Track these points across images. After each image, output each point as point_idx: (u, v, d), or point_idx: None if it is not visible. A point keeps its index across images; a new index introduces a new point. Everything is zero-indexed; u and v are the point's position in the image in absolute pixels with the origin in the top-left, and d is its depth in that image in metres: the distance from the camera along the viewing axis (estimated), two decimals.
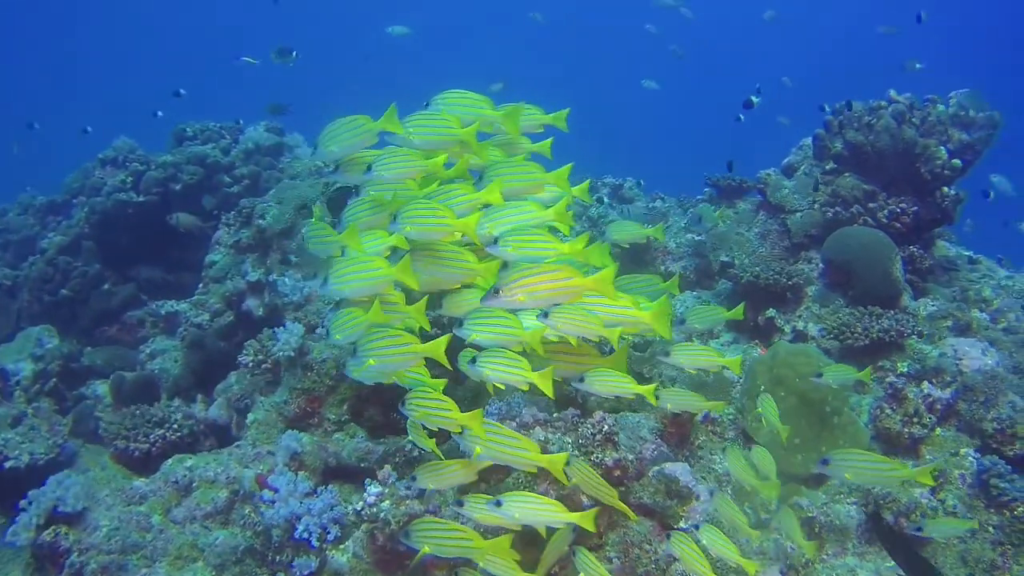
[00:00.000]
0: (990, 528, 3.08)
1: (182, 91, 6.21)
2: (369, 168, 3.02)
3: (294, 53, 5.76)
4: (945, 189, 4.26)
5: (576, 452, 2.81)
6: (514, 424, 2.96)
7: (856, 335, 3.71)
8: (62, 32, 31.97)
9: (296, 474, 3.07)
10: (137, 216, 5.67)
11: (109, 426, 3.73)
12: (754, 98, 4.87)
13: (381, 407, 3.57)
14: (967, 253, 4.98)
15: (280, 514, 2.89)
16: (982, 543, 3.04)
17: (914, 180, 4.32)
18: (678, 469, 2.98)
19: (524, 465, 2.51)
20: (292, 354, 3.55)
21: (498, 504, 2.40)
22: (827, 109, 4.74)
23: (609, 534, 2.81)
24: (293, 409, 3.55)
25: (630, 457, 2.86)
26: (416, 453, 3.19)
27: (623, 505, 2.65)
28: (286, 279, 4.56)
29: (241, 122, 6.13)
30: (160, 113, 6.51)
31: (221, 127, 6.10)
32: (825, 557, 3.06)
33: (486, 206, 2.80)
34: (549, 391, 2.56)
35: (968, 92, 4.34)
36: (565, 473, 2.51)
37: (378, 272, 2.69)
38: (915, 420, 3.33)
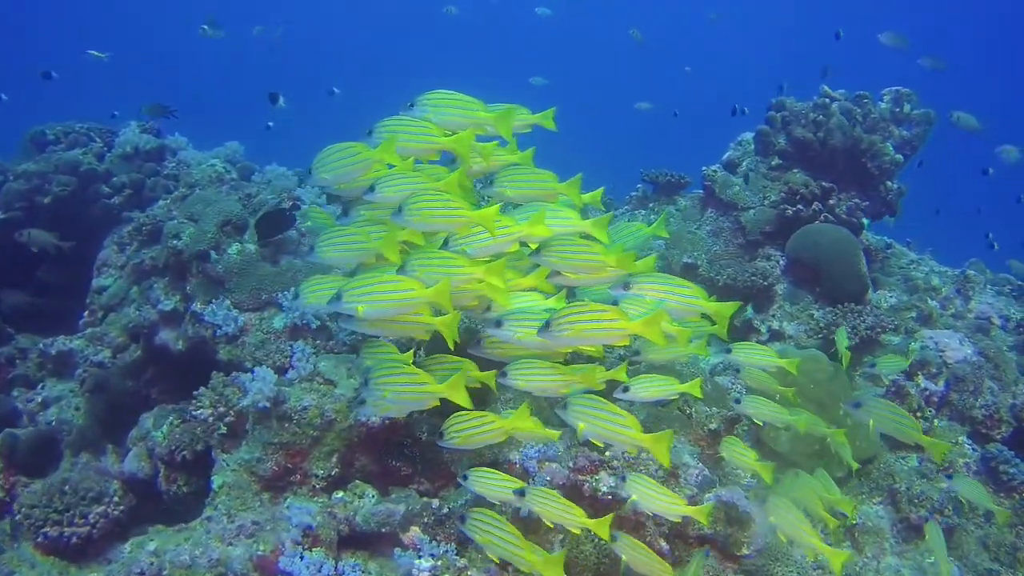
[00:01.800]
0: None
1: (54, 74, 5.25)
2: (372, 188, 2.68)
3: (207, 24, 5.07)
4: (889, 183, 4.42)
5: None
6: (568, 469, 2.69)
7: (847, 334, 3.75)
8: None
9: (311, 551, 2.62)
10: None
11: (30, 511, 3.03)
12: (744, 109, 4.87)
13: (374, 455, 3.15)
14: (879, 238, 5.24)
15: None
16: (1000, 527, 3.16)
17: (859, 175, 4.44)
18: (734, 495, 2.83)
19: (628, 444, 2.36)
20: (268, 405, 3.03)
21: (623, 479, 2.35)
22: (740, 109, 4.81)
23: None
24: (270, 467, 3.05)
25: (695, 490, 2.69)
26: (445, 510, 2.83)
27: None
28: (214, 307, 3.95)
29: (117, 114, 5.28)
30: (4, 96, 5.50)
31: (89, 129, 5.22)
32: (866, 560, 3.06)
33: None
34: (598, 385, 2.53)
35: (904, 89, 4.53)
36: None
37: (411, 294, 2.46)
38: (918, 414, 3.41)
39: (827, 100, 4.51)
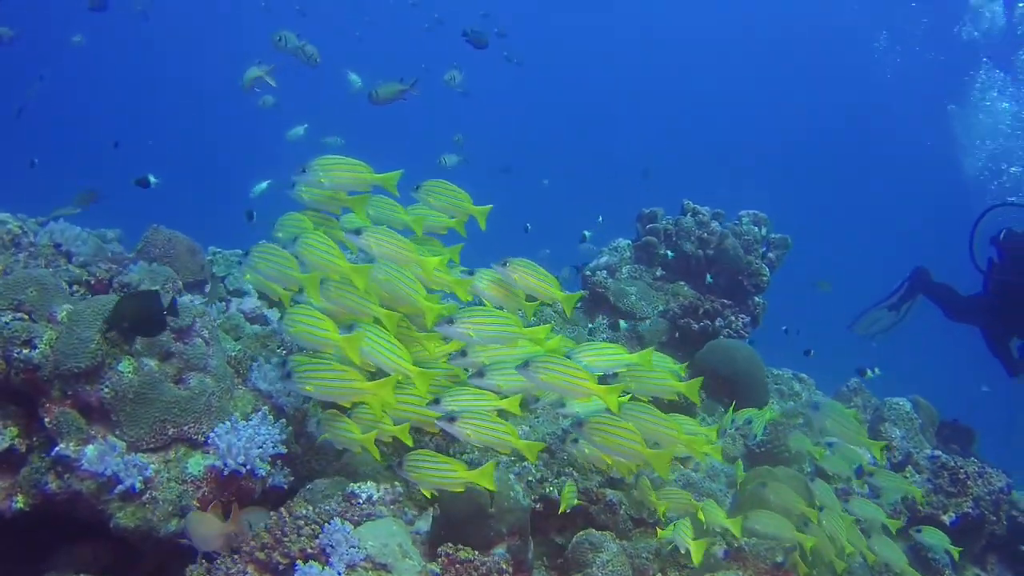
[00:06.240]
0: None
1: None
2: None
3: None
4: (757, 299, 4.91)
5: None
6: None
7: (781, 447, 4.02)
8: None
9: None
10: None
11: None
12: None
13: None
14: None
15: None
16: None
17: (735, 290, 4.86)
18: None
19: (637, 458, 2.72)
20: None
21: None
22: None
23: None
24: None
25: None
26: None
27: None
28: (101, 450, 2.75)
29: None
30: None
31: None
32: None
33: None
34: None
35: (760, 213, 5.11)
36: None
37: (354, 384, 2.63)
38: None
39: (706, 218, 4.88)
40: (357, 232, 2.83)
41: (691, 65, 26.68)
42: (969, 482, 4.09)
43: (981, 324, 4.87)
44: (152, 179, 4.53)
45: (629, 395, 2.96)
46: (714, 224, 4.84)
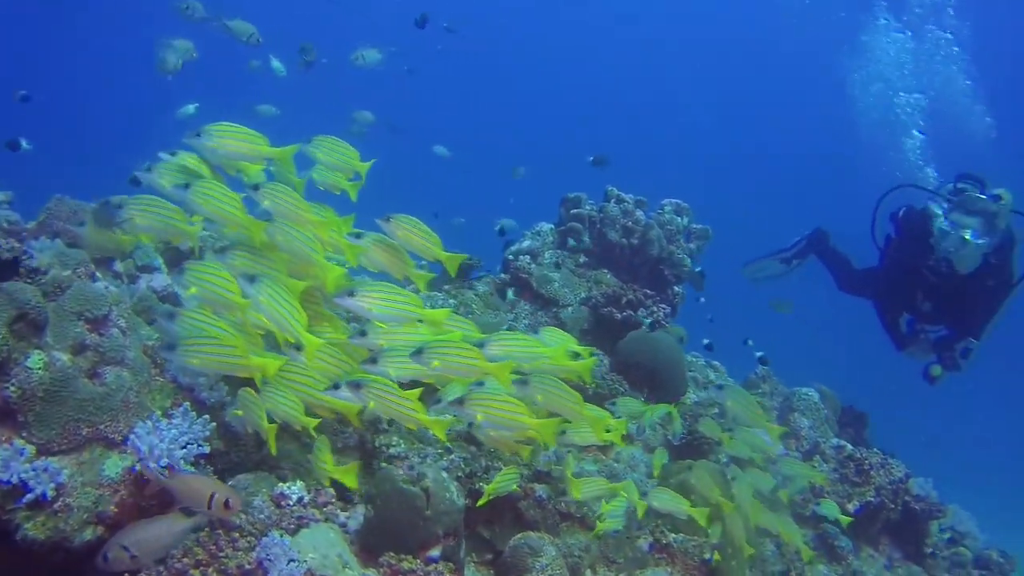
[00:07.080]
0: None
1: None
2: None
3: None
4: (676, 288, 5.01)
5: None
6: None
7: (701, 438, 4.15)
8: None
9: None
10: None
11: None
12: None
13: None
14: None
15: None
16: None
17: (656, 279, 4.94)
18: None
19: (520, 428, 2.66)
20: None
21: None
22: None
23: None
24: None
25: None
26: None
27: None
28: (6, 456, 2.54)
29: None
30: None
31: None
32: None
33: None
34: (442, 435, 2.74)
35: (682, 203, 5.19)
36: None
37: (241, 361, 2.61)
38: None
39: (630, 206, 4.92)
40: (256, 187, 2.79)
41: (624, 59, 27.10)
42: (873, 472, 4.35)
43: (873, 297, 4.94)
44: (24, 143, 4.23)
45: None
46: (639, 213, 4.90)
